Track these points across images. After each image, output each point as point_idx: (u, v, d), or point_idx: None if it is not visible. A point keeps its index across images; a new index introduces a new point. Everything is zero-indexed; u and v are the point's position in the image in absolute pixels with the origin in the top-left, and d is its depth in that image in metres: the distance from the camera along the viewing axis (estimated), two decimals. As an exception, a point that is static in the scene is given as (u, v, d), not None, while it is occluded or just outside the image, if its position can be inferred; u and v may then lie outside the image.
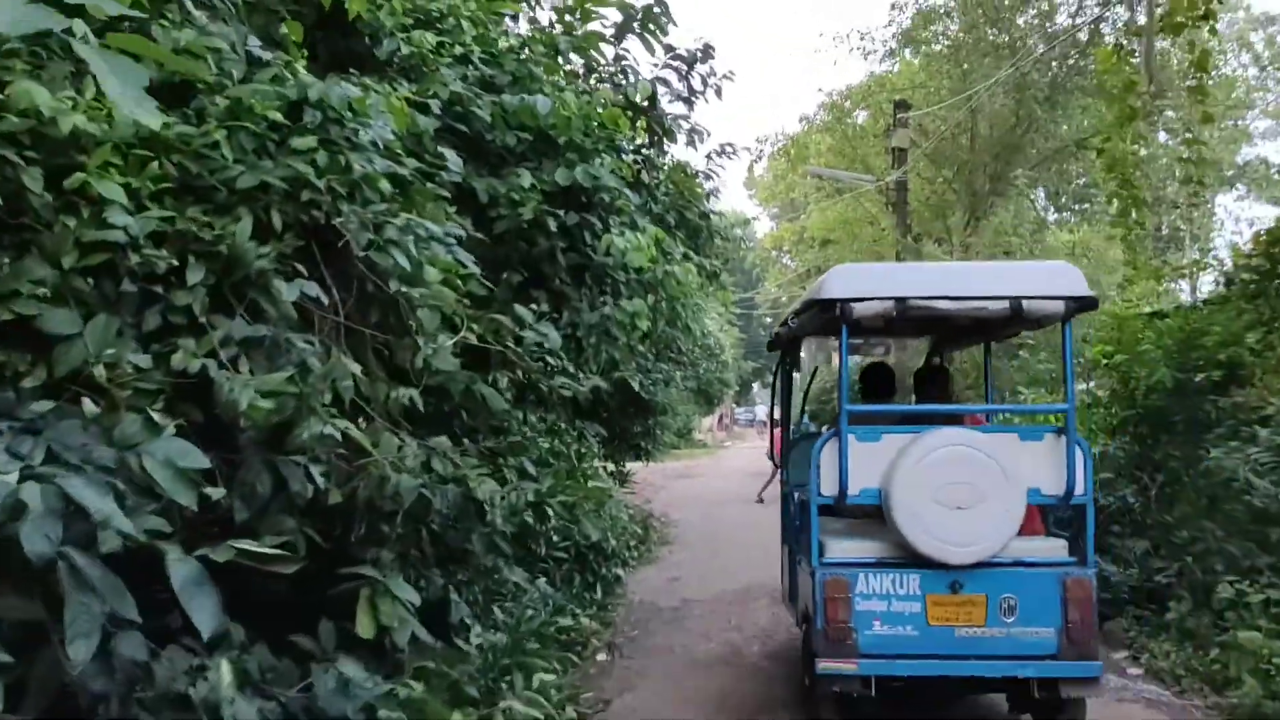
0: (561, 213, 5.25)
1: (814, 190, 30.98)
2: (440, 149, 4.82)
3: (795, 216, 49.03)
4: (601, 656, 7.04)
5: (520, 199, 5.04)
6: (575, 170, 5.32)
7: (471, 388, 4.96)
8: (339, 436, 3.52)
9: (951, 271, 6.63)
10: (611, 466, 14.38)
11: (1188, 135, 11.79)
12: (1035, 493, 5.00)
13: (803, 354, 7.67)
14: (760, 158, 29.00)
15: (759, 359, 61.19)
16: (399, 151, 4.00)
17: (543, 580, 7.41)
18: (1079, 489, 4.99)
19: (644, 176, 6.60)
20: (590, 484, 9.18)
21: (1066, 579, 4.89)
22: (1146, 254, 13.71)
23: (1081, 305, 5.08)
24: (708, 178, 7.51)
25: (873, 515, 5.24)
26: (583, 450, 9.61)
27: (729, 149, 7.59)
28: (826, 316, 5.19)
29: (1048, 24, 21.99)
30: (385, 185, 3.75)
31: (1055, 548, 5.19)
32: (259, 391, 3.09)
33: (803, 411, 7.67)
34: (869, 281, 5.19)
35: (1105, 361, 11.35)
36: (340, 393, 3.61)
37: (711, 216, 13.20)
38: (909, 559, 4.94)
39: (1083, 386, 12.10)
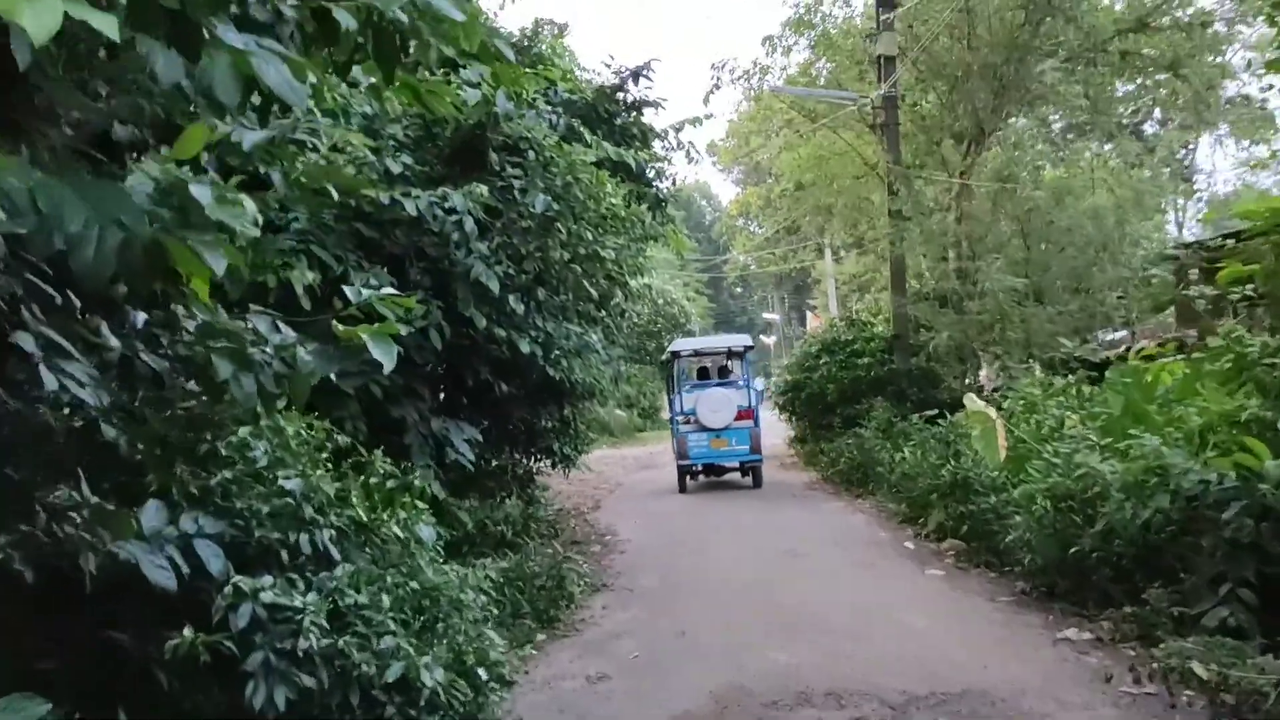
0: None
1: (783, 127, 26.60)
2: None
3: (760, 180, 44.93)
4: None
5: None
6: None
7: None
8: None
9: (713, 339, 24.33)
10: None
11: None
12: (741, 406, 16.58)
13: (677, 368, 18.59)
14: (718, 87, 24.67)
15: (732, 330, 57.36)
16: None
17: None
18: (753, 403, 16.94)
19: None
20: (414, 537, 4.83)
21: (751, 430, 16.54)
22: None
23: (749, 349, 19.01)
24: None
25: (693, 417, 16.57)
26: (410, 474, 5.25)
27: None
28: (673, 357, 18.58)
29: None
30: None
31: (748, 424, 16.54)
32: None
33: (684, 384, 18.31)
34: (685, 344, 19.60)
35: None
36: None
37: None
38: (703, 428, 16.43)
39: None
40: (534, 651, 6.89)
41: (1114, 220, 15.32)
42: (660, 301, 35.55)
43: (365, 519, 4.49)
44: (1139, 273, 15.27)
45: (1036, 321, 15.21)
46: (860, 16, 22.78)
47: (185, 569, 3.49)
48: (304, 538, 4.16)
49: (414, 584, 4.49)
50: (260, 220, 2.37)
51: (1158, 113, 30.96)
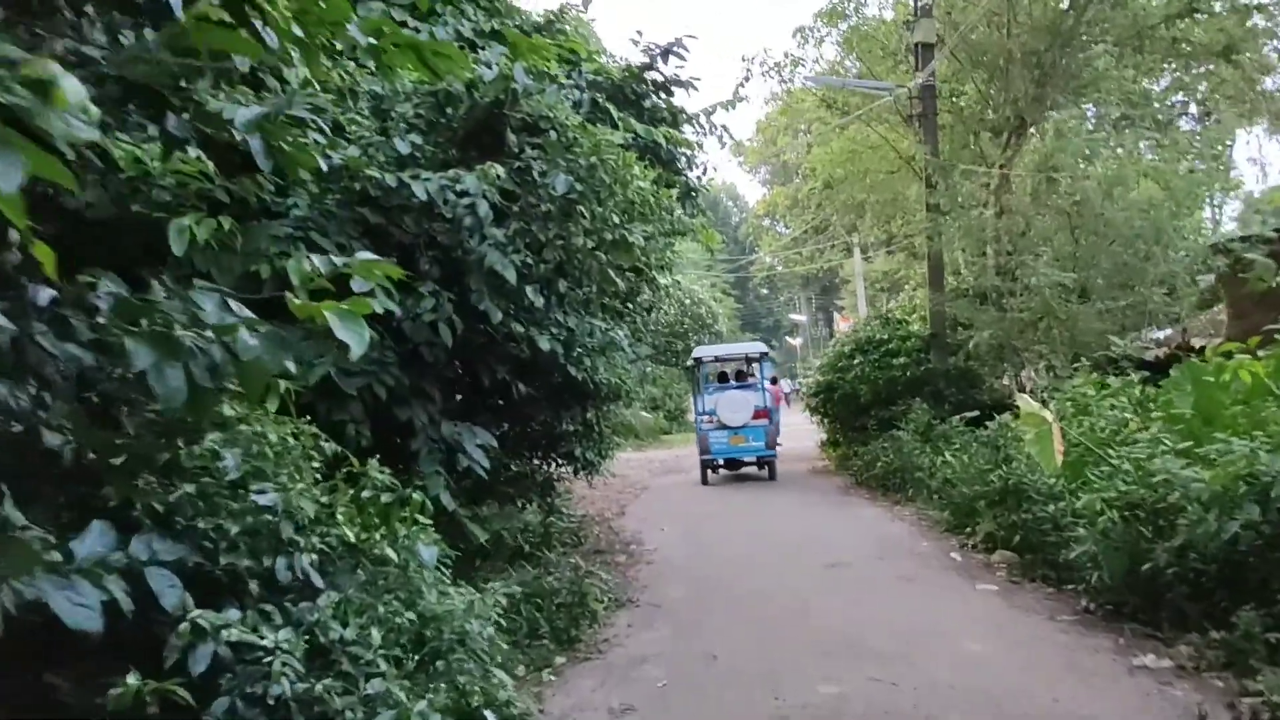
0: None
1: (813, 122, 25.91)
2: None
3: (788, 180, 44.14)
4: None
5: None
6: None
7: None
8: None
9: (732, 346, 26.45)
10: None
11: None
12: (757, 406, 18.57)
13: (702, 371, 21.03)
14: (748, 78, 24.06)
15: (758, 332, 56.67)
16: None
17: None
18: (768, 403, 19.17)
19: None
20: (414, 558, 4.24)
21: (766, 428, 18.64)
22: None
23: (764, 355, 21.21)
24: None
25: (714, 416, 18.54)
26: (411, 485, 4.66)
27: None
28: (696, 363, 20.86)
29: None
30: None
31: (764, 422, 18.69)
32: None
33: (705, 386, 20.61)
34: (708, 351, 22.32)
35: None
36: None
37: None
38: (723, 426, 18.44)
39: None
40: (552, 677, 6.29)
41: (1167, 213, 14.54)
42: (687, 302, 34.94)
43: (355, 539, 3.90)
44: (1194, 265, 14.46)
45: (1084, 319, 14.45)
46: (892, 4, 22.11)
47: (129, 605, 2.90)
48: (281, 563, 3.57)
49: (411, 614, 3.89)
50: (96, 115, 1.79)
51: (1193, 107, 29.98)
